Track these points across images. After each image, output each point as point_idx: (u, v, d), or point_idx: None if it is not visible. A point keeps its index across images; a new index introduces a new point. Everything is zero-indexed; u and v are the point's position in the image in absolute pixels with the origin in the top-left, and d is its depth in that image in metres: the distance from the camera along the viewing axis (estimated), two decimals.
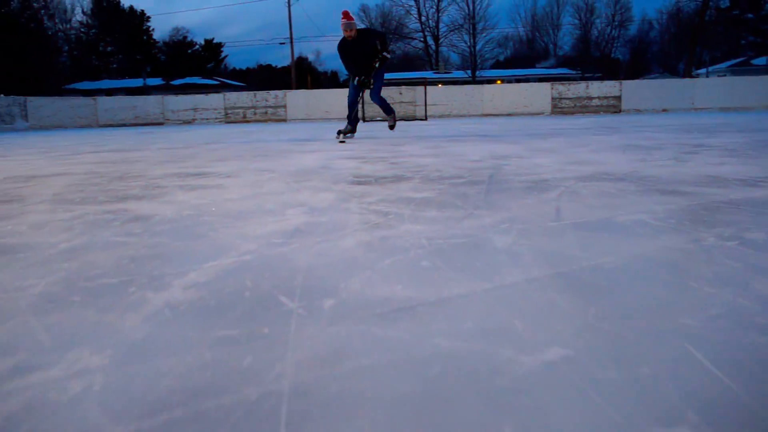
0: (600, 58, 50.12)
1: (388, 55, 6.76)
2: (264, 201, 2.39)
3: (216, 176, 3.38)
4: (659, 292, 1.12)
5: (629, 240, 1.53)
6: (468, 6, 43.30)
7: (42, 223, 2.05)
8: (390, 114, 7.34)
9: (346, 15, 6.64)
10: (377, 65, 6.67)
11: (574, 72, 39.70)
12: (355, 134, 7.28)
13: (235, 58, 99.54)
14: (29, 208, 2.40)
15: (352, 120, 7.06)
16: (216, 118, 19.44)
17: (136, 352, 0.90)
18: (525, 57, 54.41)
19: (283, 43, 42.74)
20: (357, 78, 6.68)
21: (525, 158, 3.98)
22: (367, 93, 7.09)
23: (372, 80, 6.73)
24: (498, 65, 54.54)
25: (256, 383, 0.78)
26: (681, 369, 0.79)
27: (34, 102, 18.02)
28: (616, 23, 51.95)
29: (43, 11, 42.94)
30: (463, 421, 0.68)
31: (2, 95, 17.07)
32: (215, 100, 19.61)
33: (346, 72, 7.09)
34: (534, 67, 47.67)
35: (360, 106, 7.46)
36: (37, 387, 0.79)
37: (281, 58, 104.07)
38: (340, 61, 6.79)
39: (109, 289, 1.23)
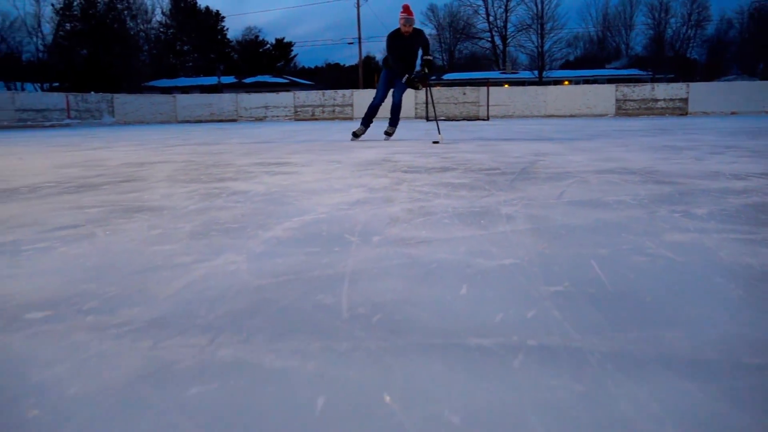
0: (674, 59, 48.88)
1: (429, 58, 6.80)
2: (332, 183, 3.03)
3: (293, 165, 4.05)
4: (595, 237, 1.68)
5: (601, 211, 2.08)
6: (536, 6, 43.14)
7: (168, 194, 2.75)
8: (395, 124, 7.27)
9: (407, 9, 6.62)
10: (426, 70, 6.78)
11: (644, 73, 39.01)
12: (363, 136, 7.27)
13: (304, 57, 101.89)
14: (153, 185, 3.12)
15: (366, 118, 7.15)
16: (286, 116, 20.44)
17: (260, 256, 1.53)
18: (595, 57, 53.61)
19: (351, 43, 43.85)
20: (407, 76, 6.68)
21: (561, 155, 4.49)
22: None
23: (419, 85, 6.78)
24: (567, 65, 53.98)
25: (330, 269, 1.40)
26: (579, 269, 1.35)
27: (120, 99, 19.48)
28: (693, 22, 50.47)
29: (126, 12, 45.44)
30: (448, 285, 1.27)
31: (93, 92, 18.57)
32: (286, 98, 20.62)
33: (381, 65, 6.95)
34: (603, 67, 46.95)
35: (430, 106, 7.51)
36: (211, 268, 1.43)
37: (348, 57, 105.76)
38: (387, 50, 6.74)
39: (233, 229, 1.88)
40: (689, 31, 50.51)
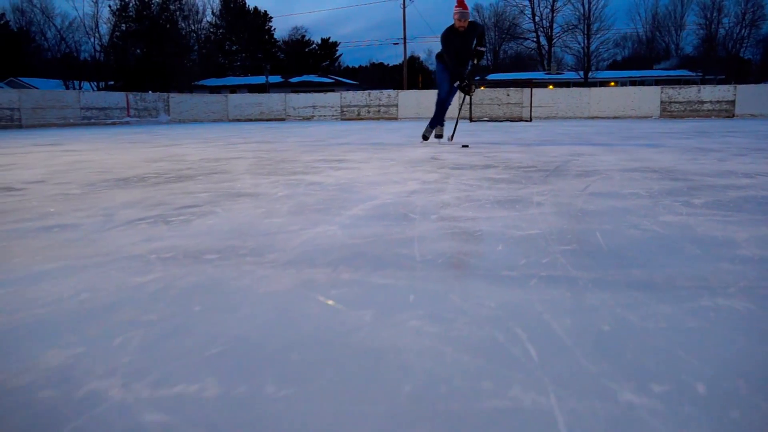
0: (726, 59, 47.96)
1: (483, 49, 6.52)
2: (390, 177, 3.56)
3: (352, 162, 4.61)
4: (604, 217, 2.16)
5: (615, 200, 2.56)
6: (583, 6, 42.98)
7: (256, 184, 3.33)
8: (436, 122, 6.93)
9: (461, 3, 6.31)
10: (476, 61, 6.54)
11: (693, 74, 38.50)
12: (442, 138, 6.99)
13: (348, 56, 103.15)
14: (238, 177, 3.71)
15: (438, 118, 6.87)
16: (332, 116, 21.13)
17: (348, 226, 2.07)
18: (644, 58, 52.97)
19: (397, 44, 44.48)
20: (458, 83, 6.47)
21: (594, 156, 4.93)
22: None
23: (473, 86, 6.59)
24: (615, 66, 53.50)
25: (402, 234, 1.92)
26: (586, 237, 1.85)
27: (175, 98, 20.46)
28: (747, 22, 49.40)
29: (178, 13, 47.00)
30: (488, 244, 1.78)
31: (150, 92, 19.58)
32: (332, 98, 21.32)
33: (436, 63, 6.72)
34: (651, 68, 46.40)
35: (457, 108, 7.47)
36: (315, 234, 1.98)
37: (392, 57, 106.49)
38: (443, 49, 6.42)
39: (320, 210, 2.43)
40: (743, 31, 49.51)
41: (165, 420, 0.78)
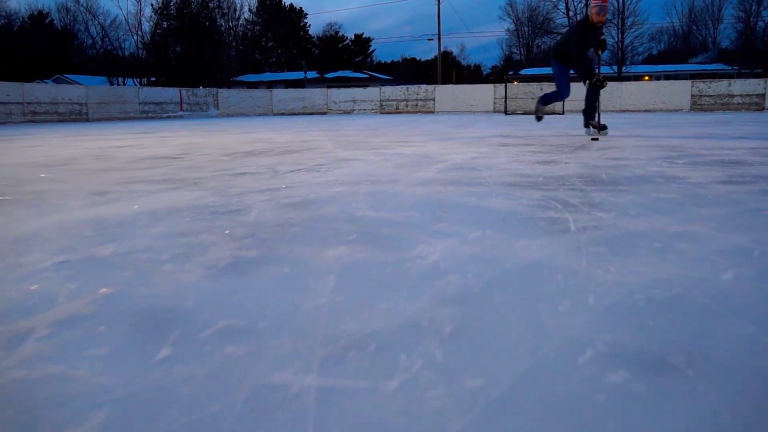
0: (765, 52, 47.85)
1: (605, 37, 6.24)
2: (453, 150, 4.68)
3: (415, 142, 5.74)
4: (611, 169, 3.25)
5: (621, 161, 3.64)
6: (617, 1, 43.38)
7: (352, 153, 4.47)
8: (592, 115, 6.53)
9: None
10: (600, 51, 6.23)
11: (729, 68, 38.73)
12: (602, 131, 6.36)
13: (381, 51, 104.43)
14: (333, 150, 4.86)
15: (589, 111, 6.52)
16: (372, 109, 22.31)
17: (438, 171, 3.19)
18: (680, 51, 53.05)
19: (431, 39, 45.52)
20: (590, 80, 6.01)
21: (615, 137, 5.98)
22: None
23: (605, 83, 6.17)
24: (650, 59, 53.67)
25: (476, 174, 3.04)
26: (594, 177, 2.94)
27: (224, 93, 21.86)
28: None
29: (217, 11, 48.70)
30: (530, 182, 2.90)
31: (201, 87, 21.01)
32: (372, 93, 22.50)
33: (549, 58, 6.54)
34: (687, 62, 46.56)
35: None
36: (420, 176, 3.11)
37: (425, 52, 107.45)
38: (575, 47, 5.94)
39: (414, 165, 3.56)
40: None
41: None
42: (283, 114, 22.78)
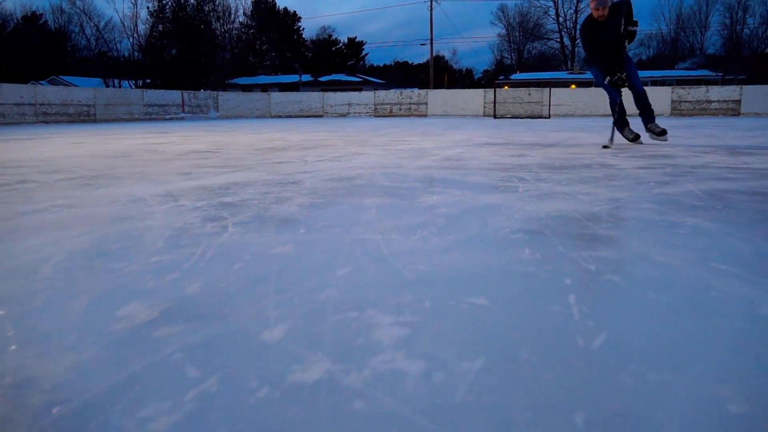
0: (749, 58, 49.28)
1: (636, 27, 5.55)
2: (444, 147, 5.66)
3: (413, 141, 6.72)
4: (567, 159, 4.25)
5: (578, 155, 4.63)
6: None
7: (361, 149, 5.44)
8: (651, 117, 5.90)
9: None
10: (627, 43, 5.55)
11: (714, 74, 40.02)
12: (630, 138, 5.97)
13: (373, 55, 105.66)
14: (344, 147, 5.82)
15: (619, 120, 5.97)
16: (366, 112, 23.32)
17: (435, 160, 4.18)
18: (668, 57, 54.43)
19: (424, 44, 46.67)
20: (609, 77, 5.53)
21: (584, 137, 6.99)
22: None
23: (625, 74, 5.54)
24: (640, 65, 55.03)
25: (462, 163, 4.02)
26: (565, 162, 3.93)
27: (224, 96, 22.82)
28: None
29: (212, 14, 49.63)
30: (498, 164, 3.88)
31: (202, 90, 21.94)
32: (367, 96, 23.51)
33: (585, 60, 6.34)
34: (673, 68, 47.88)
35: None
36: (419, 163, 4.09)
37: (416, 55, 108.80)
38: (585, 51, 5.72)
39: (414, 157, 4.54)
40: None
41: None
42: (280, 116, 23.74)
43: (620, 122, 5.98)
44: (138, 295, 1.22)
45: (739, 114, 20.31)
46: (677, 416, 0.73)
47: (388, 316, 1.08)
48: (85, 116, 17.58)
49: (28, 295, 1.23)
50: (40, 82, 44.80)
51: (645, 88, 5.92)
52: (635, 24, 5.50)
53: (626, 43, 5.52)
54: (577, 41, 49.21)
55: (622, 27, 5.45)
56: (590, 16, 5.49)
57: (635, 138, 5.92)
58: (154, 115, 20.01)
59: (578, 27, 5.00)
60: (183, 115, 21.10)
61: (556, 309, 1.11)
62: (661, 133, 5.76)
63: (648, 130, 5.87)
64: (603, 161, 4.11)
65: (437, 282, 1.30)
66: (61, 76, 48.25)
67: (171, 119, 20.31)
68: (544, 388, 0.80)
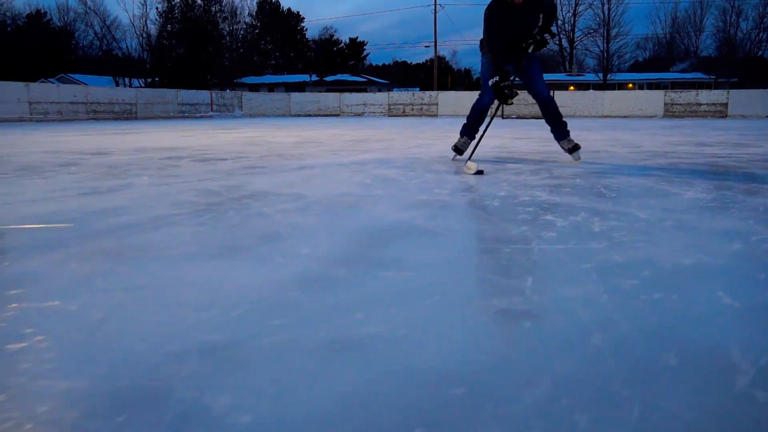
0: (743, 60, 51.50)
1: (550, 39, 4.71)
2: (487, 138, 7.73)
3: (424, 141, 8.77)
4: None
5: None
6: (603, 12, 46.86)
7: (390, 147, 7.50)
8: (563, 130, 5.10)
9: None
10: (530, 50, 4.59)
11: (707, 77, 42.29)
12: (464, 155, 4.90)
13: (373, 54, 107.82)
14: (382, 139, 7.87)
15: (469, 130, 5.14)
16: (381, 112, 25.38)
17: (496, 147, 6.25)
18: (664, 59, 56.70)
19: (428, 46, 48.87)
20: (498, 78, 4.44)
21: (580, 134, 9.07)
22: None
23: (515, 94, 4.54)
24: (637, 66, 57.36)
25: (517, 149, 6.08)
26: (544, 150, 6.00)
27: (247, 96, 24.85)
28: (765, 25, 52.90)
29: (218, 14, 51.61)
30: (507, 148, 5.94)
31: (228, 89, 23.97)
32: (381, 97, 25.60)
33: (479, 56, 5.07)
34: (668, 70, 50.13)
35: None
36: (439, 147, 6.16)
37: (414, 55, 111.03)
38: (485, 34, 4.55)
39: (427, 145, 6.61)
40: (762, 34, 53.10)
41: None
42: (299, 115, 25.78)
43: (472, 130, 5.12)
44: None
45: (726, 116, 22.44)
46: None
47: None
48: (128, 114, 19.57)
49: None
50: (50, 79, 46.66)
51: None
52: (551, 34, 4.72)
53: (531, 48, 4.57)
54: (575, 44, 51.33)
55: (537, 26, 4.56)
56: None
57: (461, 151, 5.06)
58: (186, 113, 22.01)
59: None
60: (211, 113, 23.11)
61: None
62: (573, 149, 5.00)
63: (561, 146, 5.10)
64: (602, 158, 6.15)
65: None
66: (70, 75, 50.11)
67: (201, 117, 22.30)
68: None
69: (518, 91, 4.60)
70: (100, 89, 19.26)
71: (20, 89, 16.43)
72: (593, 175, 3.92)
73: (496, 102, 4.82)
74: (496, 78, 4.44)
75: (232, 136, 8.92)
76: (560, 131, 5.08)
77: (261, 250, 1.88)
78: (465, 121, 5.21)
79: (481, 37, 4.68)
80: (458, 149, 5.07)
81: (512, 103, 4.68)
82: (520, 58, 4.70)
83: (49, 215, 2.50)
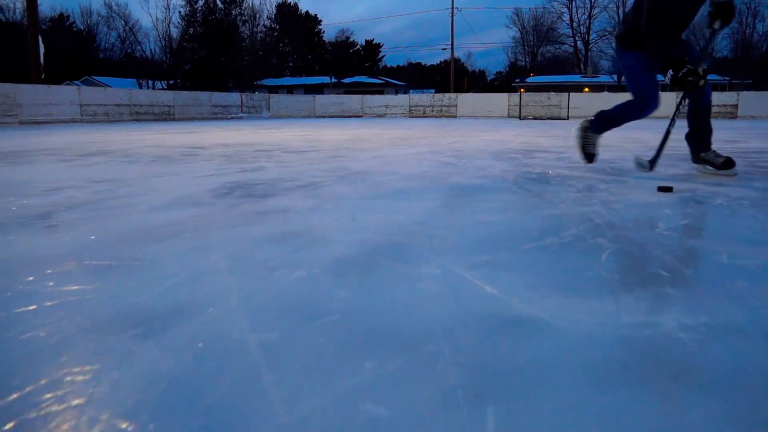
0: (759, 60, 52.20)
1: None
2: (514, 136, 8.99)
3: (482, 136, 10.05)
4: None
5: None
6: (618, 15, 47.90)
7: (433, 143, 8.79)
8: (708, 144, 4.10)
9: None
10: (716, 27, 3.76)
11: (722, 79, 43.20)
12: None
13: (387, 56, 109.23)
14: (421, 135, 9.16)
15: (605, 129, 4.60)
16: (401, 113, 26.70)
17: (484, 142, 7.52)
18: None
19: (445, 49, 50.15)
20: (676, 69, 3.54)
21: None
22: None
23: (703, 74, 3.57)
24: None
25: (498, 146, 7.36)
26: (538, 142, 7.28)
27: (275, 98, 26.26)
28: None
29: (239, 18, 53.17)
30: (516, 138, 7.22)
31: (257, 92, 25.38)
32: (402, 99, 26.95)
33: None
34: None
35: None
36: (468, 143, 7.43)
37: (429, 56, 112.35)
38: (648, 14, 3.60)
39: (497, 142, 7.88)
40: None
41: None
42: (323, 117, 27.15)
43: (606, 124, 4.58)
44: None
45: (736, 117, 23.56)
46: None
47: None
48: (166, 115, 21.00)
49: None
50: (75, 82, 48.35)
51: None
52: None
53: (716, 26, 3.75)
54: (590, 46, 52.36)
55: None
56: None
57: (727, 164, 3.97)
58: (218, 114, 23.44)
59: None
60: (241, 114, 24.52)
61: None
62: (726, 165, 3.94)
63: (701, 160, 4.14)
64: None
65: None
66: (94, 77, 51.82)
67: (232, 118, 23.71)
68: None
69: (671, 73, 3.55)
70: (142, 92, 20.74)
71: (72, 92, 17.90)
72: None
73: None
74: (671, 72, 3.55)
75: (286, 135, 10.25)
76: (705, 140, 4.10)
77: (400, 198, 3.17)
78: (603, 116, 4.49)
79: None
80: (589, 154, 4.53)
81: (702, 85, 3.61)
82: (687, 43, 3.87)
83: (244, 183, 3.80)
